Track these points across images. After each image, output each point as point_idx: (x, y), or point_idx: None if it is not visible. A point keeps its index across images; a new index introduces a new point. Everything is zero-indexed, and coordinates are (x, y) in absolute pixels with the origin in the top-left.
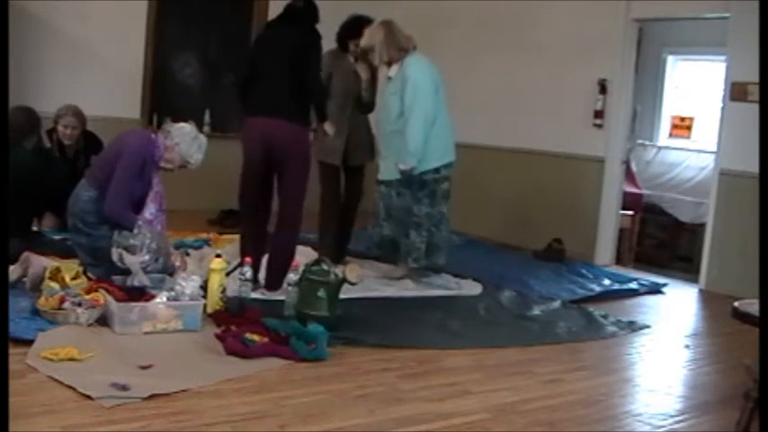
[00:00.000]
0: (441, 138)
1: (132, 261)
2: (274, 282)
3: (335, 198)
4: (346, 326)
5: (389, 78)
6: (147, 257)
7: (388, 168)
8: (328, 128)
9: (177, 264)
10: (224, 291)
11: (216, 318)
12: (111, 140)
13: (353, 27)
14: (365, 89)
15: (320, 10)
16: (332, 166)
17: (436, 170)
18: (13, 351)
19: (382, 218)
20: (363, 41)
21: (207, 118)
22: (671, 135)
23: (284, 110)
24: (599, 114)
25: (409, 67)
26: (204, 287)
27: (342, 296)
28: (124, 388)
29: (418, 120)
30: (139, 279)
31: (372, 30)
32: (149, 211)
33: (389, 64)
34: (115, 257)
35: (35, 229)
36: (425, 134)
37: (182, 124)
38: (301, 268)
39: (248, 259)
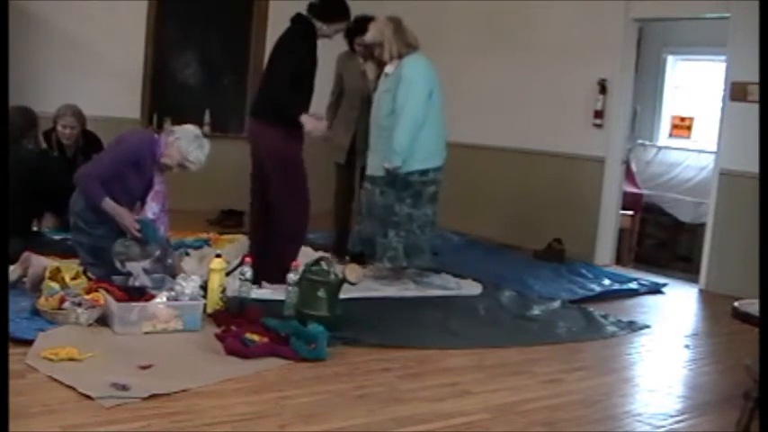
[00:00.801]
0: (429, 140)
1: (133, 266)
2: (258, 277)
3: (340, 197)
4: (346, 326)
5: (386, 75)
6: (147, 264)
7: (374, 164)
8: (303, 120)
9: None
10: (224, 291)
11: (216, 318)
12: (112, 140)
13: (357, 26)
14: (373, 89)
15: None
16: (339, 166)
17: (423, 172)
18: (13, 351)
19: (364, 215)
20: (369, 36)
21: (207, 118)
22: (671, 135)
23: (258, 109)
24: (599, 114)
25: (406, 66)
26: (204, 287)
27: (342, 296)
28: (124, 388)
29: (408, 121)
30: (141, 281)
31: (379, 25)
32: (152, 210)
33: (392, 59)
34: (118, 265)
35: (35, 229)
36: (413, 135)
37: (186, 125)
38: (301, 268)
39: (248, 259)
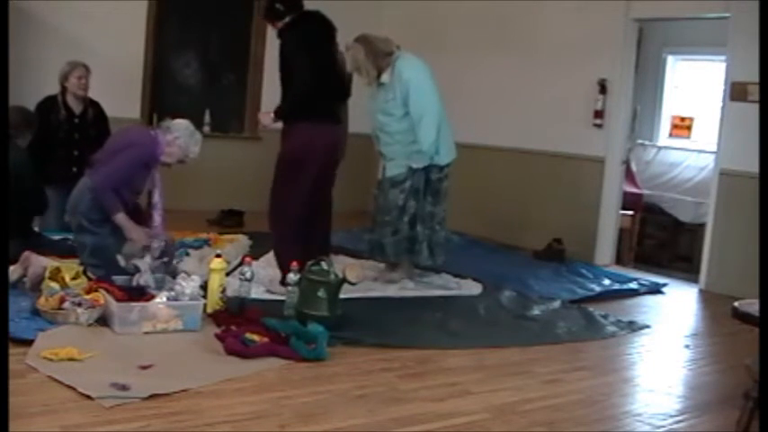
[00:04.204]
0: (446, 134)
1: (142, 261)
2: None
3: None
4: (346, 326)
5: (382, 84)
6: (149, 260)
7: (395, 167)
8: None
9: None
10: (224, 291)
11: (216, 318)
12: (113, 136)
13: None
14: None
15: (322, 10)
16: None
17: (441, 168)
18: (13, 351)
19: (406, 221)
20: (349, 66)
21: (207, 118)
22: (671, 135)
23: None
24: (599, 114)
25: (405, 69)
26: (204, 287)
27: (342, 296)
28: (124, 388)
29: (431, 121)
30: (145, 279)
31: (351, 51)
32: (157, 200)
33: (379, 75)
34: (124, 263)
35: (36, 229)
36: (437, 133)
37: (179, 120)
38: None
39: (248, 259)
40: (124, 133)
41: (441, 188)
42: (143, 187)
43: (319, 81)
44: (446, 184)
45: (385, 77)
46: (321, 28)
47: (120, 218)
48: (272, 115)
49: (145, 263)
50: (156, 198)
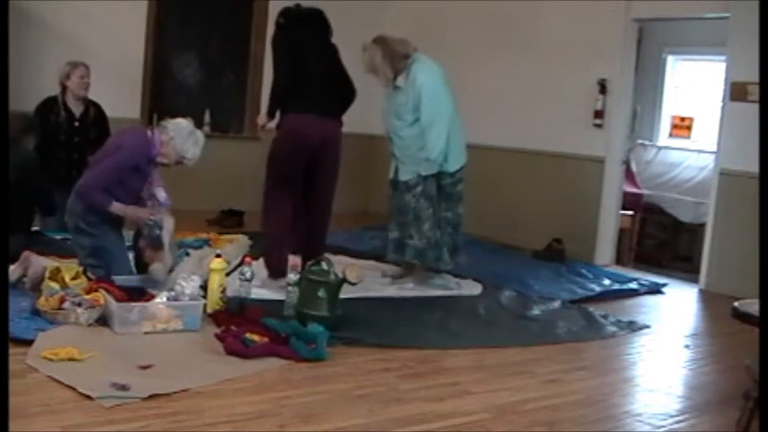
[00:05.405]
0: (455, 141)
1: (163, 236)
2: None
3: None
4: (346, 326)
5: (397, 87)
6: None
7: (407, 172)
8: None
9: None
10: (224, 291)
11: (216, 318)
12: (110, 138)
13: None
14: None
15: (325, 10)
16: None
17: (452, 174)
18: (13, 351)
19: (427, 226)
20: (365, 67)
21: (207, 118)
22: (671, 135)
23: (335, 109)
24: (599, 114)
25: (419, 75)
26: (204, 287)
27: (342, 296)
28: (124, 388)
29: (441, 129)
30: (167, 260)
31: (369, 52)
32: (162, 196)
33: (396, 77)
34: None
35: (36, 228)
36: (446, 141)
37: (178, 120)
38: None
39: (248, 259)
40: (118, 135)
41: (454, 193)
42: (141, 188)
43: (300, 80)
44: (460, 188)
45: (400, 81)
46: (307, 29)
47: (116, 207)
48: (266, 115)
49: (167, 235)
50: (162, 197)
